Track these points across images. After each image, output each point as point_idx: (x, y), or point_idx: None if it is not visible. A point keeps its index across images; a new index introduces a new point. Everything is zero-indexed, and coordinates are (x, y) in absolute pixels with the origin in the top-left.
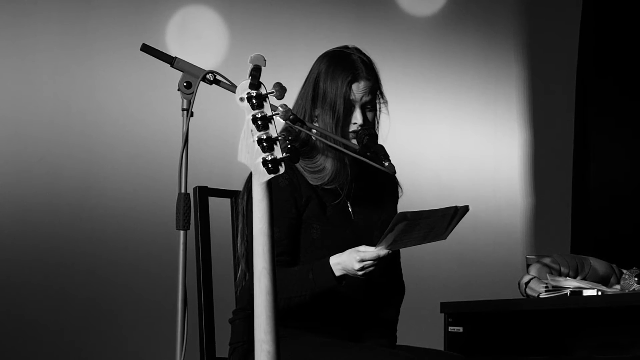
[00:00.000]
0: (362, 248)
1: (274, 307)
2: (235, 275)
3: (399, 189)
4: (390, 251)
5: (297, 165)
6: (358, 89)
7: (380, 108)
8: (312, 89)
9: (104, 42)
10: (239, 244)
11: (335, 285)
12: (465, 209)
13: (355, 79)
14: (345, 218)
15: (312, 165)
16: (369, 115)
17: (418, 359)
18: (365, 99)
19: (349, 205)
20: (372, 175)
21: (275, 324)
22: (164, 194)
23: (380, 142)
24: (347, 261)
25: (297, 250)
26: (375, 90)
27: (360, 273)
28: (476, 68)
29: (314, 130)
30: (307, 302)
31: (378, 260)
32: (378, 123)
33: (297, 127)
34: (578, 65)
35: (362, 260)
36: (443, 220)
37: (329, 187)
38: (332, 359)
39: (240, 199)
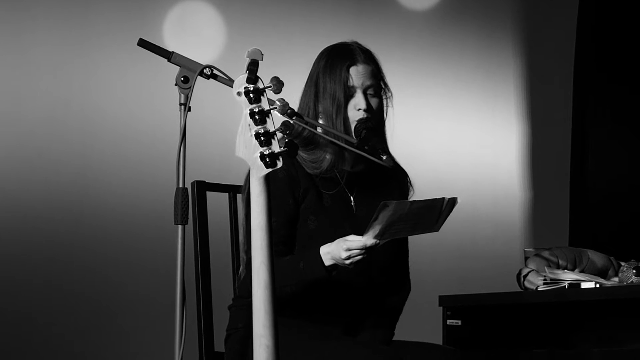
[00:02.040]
0: (350, 237)
1: (272, 301)
2: (233, 269)
3: (410, 187)
4: (379, 241)
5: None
6: (357, 73)
7: (388, 103)
8: (314, 84)
9: (101, 37)
10: (242, 235)
11: (325, 275)
12: (454, 201)
13: (353, 63)
14: (346, 209)
15: (312, 157)
16: (373, 101)
17: (411, 353)
18: (367, 82)
19: (352, 198)
20: (380, 169)
21: (274, 318)
22: (162, 189)
23: (387, 135)
24: (335, 250)
25: (294, 240)
26: (376, 76)
27: (347, 262)
28: (474, 62)
29: (313, 124)
30: (298, 291)
31: (366, 250)
32: (386, 114)
33: (292, 120)
34: (576, 59)
35: (348, 249)
36: (431, 211)
37: (327, 175)
38: (317, 351)
39: (242, 192)
